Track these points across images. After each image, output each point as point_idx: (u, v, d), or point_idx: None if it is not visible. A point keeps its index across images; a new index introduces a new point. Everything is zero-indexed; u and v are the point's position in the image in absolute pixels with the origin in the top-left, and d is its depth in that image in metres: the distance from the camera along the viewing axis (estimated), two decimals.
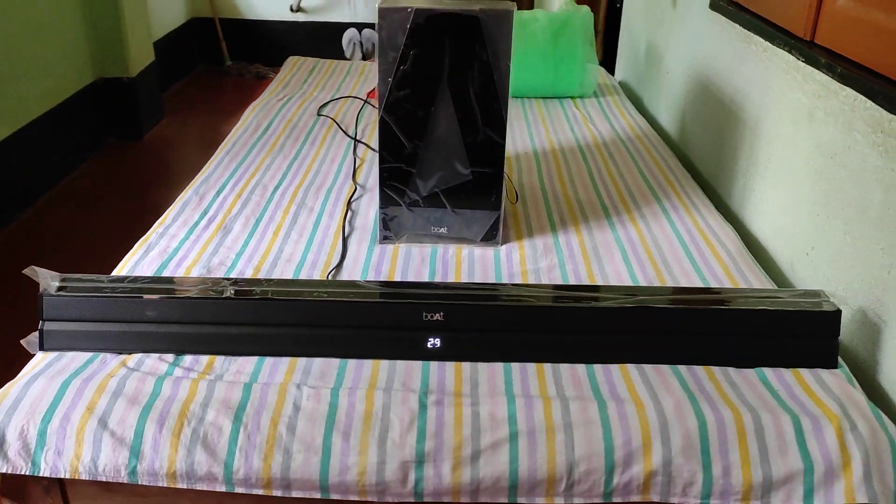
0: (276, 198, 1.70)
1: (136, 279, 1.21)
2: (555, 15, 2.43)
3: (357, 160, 1.92)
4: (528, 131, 2.15)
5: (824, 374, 1.12)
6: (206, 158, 1.98)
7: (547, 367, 1.14)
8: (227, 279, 1.22)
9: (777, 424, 1.02)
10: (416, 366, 1.14)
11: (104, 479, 1.01)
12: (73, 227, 2.81)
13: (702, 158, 2.00)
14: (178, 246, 1.48)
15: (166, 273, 1.38)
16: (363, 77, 2.68)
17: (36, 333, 1.17)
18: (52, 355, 1.15)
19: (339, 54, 5.23)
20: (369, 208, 1.66)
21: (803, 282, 1.42)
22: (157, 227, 1.56)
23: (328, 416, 1.04)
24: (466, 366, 1.15)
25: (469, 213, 1.49)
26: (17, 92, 2.91)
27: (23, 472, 1.01)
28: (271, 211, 1.64)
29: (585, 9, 2.48)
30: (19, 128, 2.92)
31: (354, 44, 5.09)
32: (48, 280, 1.19)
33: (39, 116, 3.07)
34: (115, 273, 1.39)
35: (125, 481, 1.01)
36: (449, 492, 1.01)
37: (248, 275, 1.39)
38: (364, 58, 5.12)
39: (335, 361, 1.15)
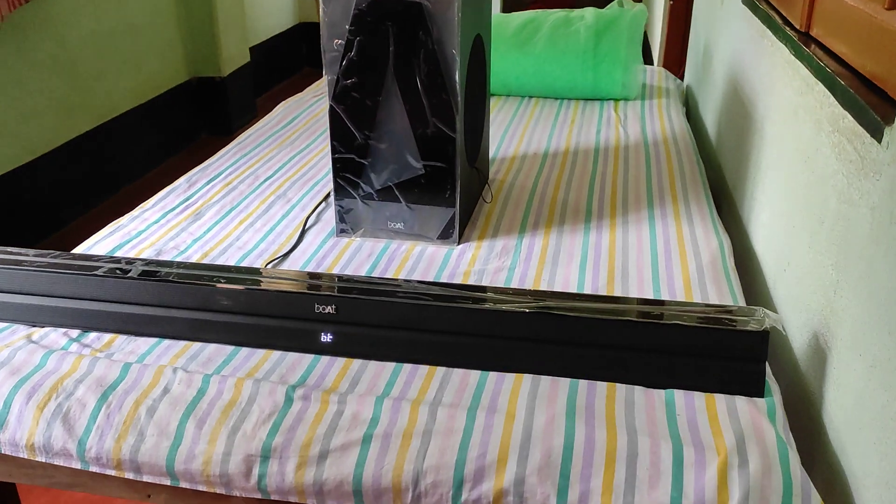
0: (261, 188, 1.71)
1: (59, 254, 1.24)
2: (602, 13, 2.31)
3: None
4: (549, 133, 2.05)
5: (743, 402, 0.98)
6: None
7: (439, 370, 1.07)
8: (141, 259, 1.22)
9: (654, 451, 0.89)
10: (306, 359, 1.10)
11: None
12: None
13: (728, 165, 1.83)
14: (144, 229, 1.51)
15: (119, 253, 1.41)
16: None
17: None
18: None
19: None
20: None
21: (782, 302, 1.26)
22: (135, 210, 1.60)
23: (192, 401, 1.01)
24: (356, 364, 1.09)
25: (425, 209, 1.43)
26: (106, 87, 3.10)
27: None
28: (249, 200, 1.64)
29: (640, 7, 2.34)
30: (106, 120, 3.11)
31: None
32: None
33: (129, 111, 3.26)
34: (76, 250, 1.43)
35: None
36: (293, 491, 0.95)
37: (195, 259, 1.39)
38: None
39: (228, 348, 1.13)
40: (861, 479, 0.88)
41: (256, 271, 1.19)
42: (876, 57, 0.97)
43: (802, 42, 1.26)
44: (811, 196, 1.14)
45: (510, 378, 1.04)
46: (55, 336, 1.16)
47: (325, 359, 1.10)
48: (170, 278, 1.16)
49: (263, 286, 1.13)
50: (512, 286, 1.29)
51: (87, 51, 2.97)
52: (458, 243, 1.43)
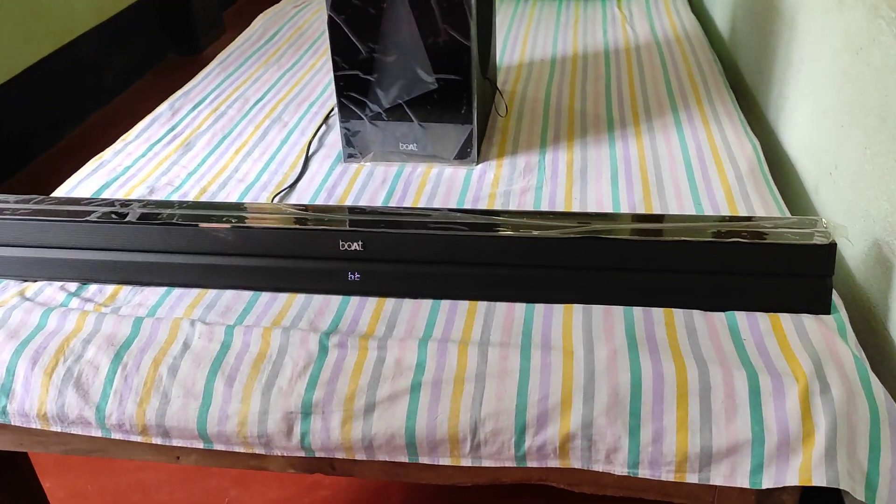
0: (253, 113, 1.58)
1: (43, 199, 1.12)
2: None
3: None
4: (553, 36, 1.92)
5: (811, 321, 0.92)
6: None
7: (480, 306, 0.99)
8: (138, 200, 1.11)
9: (728, 382, 0.83)
10: (334, 302, 1.01)
11: None
12: None
13: (747, 63, 1.72)
14: (131, 164, 1.39)
15: (106, 193, 1.29)
16: None
17: None
18: None
19: None
20: None
21: (825, 208, 1.19)
22: (117, 143, 1.47)
23: (216, 357, 0.93)
24: (389, 304, 1.00)
25: (439, 128, 1.32)
26: (64, 6, 2.87)
27: None
28: (242, 127, 1.52)
29: None
30: (67, 42, 2.90)
31: None
32: None
33: (90, 30, 3.04)
34: (58, 192, 1.31)
35: None
36: (340, 448, 0.88)
37: (192, 195, 1.28)
38: None
39: (246, 294, 1.04)
40: None
41: (269, 207, 1.09)
42: None
43: None
44: (867, 91, 1.04)
45: (559, 310, 0.97)
46: (51, 291, 1.06)
47: (354, 300, 1.01)
48: (174, 220, 1.05)
49: (279, 223, 1.03)
50: (543, 208, 1.20)
51: None
52: (477, 163, 1.33)
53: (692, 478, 0.82)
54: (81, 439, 0.99)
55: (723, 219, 1.00)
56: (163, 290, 1.05)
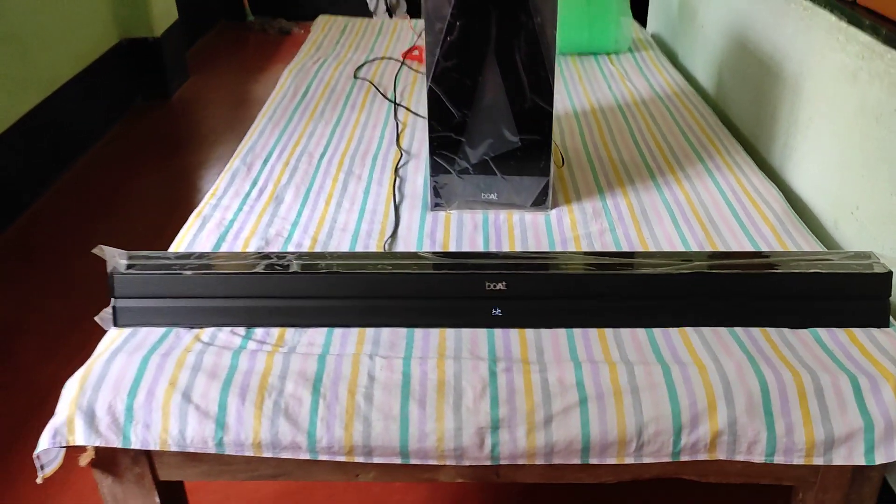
0: (323, 166, 1.73)
1: (202, 255, 1.26)
2: None
3: (399, 124, 1.94)
4: (566, 91, 2.15)
5: (877, 333, 1.16)
6: (236, 116, 2.02)
7: (608, 332, 1.18)
8: (291, 253, 1.26)
9: (835, 384, 1.06)
10: (482, 334, 1.18)
11: (193, 451, 1.07)
12: (112, 193, 2.86)
13: (740, 116, 2.00)
14: (233, 218, 1.52)
15: (224, 246, 1.42)
16: (396, 36, 2.67)
17: (109, 310, 1.22)
18: (126, 331, 1.20)
19: (362, 8, 5.18)
20: (416, 174, 1.69)
21: (848, 240, 1.45)
22: (209, 199, 1.59)
23: (402, 385, 1.09)
24: (530, 333, 1.19)
25: (518, 180, 1.52)
26: (47, 58, 2.92)
27: (114, 446, 1.07)
28: (320, 179, 1.67)
29: None
30: (51, 93, 2.94)
31: None
32: (116, 258, 1.23)
33: (69, 81, 3.09)
34: (174, 246, 1.43)
35: (213, 452, 1.07)
36: (524, 455, 1.06)
37: (306, 245, 1.43)
38: (388, 12, 5.07)
39: (402, 331, 1.19)
40: None
41: (417, 255, 1.26)
42: None
43: (854, 10, 1.42)
44: (888, 149, 1.31)
45: (674, 333, 1.17)
46: (224, 336, 1.18)
47: (498, 332, 1.19)
48: (333, 269, 1.21)
49: (433, 270, 1.20)
50: (622, 248, 1.41)
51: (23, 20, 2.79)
52: (551, 209, 1.54)
53: (818, 460, 1.04)
54: (269, 464, 1.13)
55: (796, 254, 1.23)
56: (324, 331, 1.20)
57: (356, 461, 1.07)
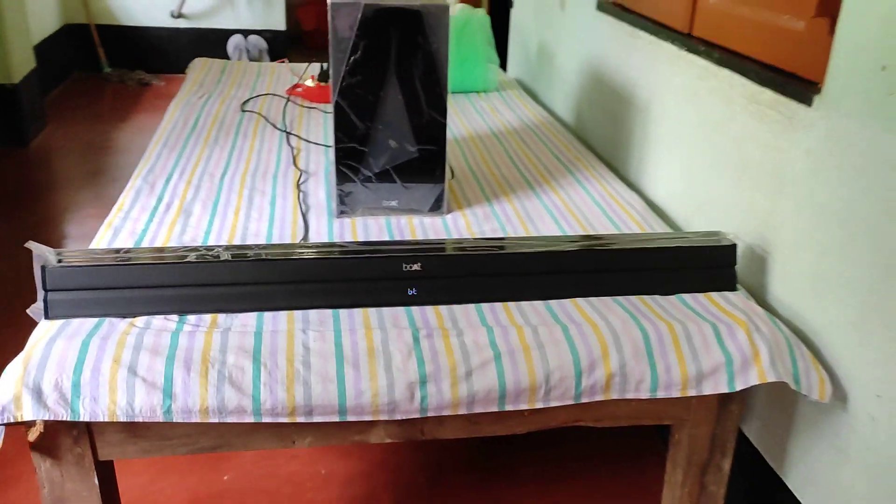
0: (226, 184, 1.82)
1: (129, 250, 1.32)
2: (455, 17, 2.66)
3: (293, 150, 2.06)
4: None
5: (729, 294, 1.39)
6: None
7: (511, 305, 1.35)
8: (219, 245, 1.35)
9: (700, 331, 1.27)
10: (401, 311, 1.32)
11: (141, 420, 1.13)
12: None
13: (599, 141, 2.28)
14: (144, 228, 1.58)
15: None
16: (275, 77, 2.80)
17: (40, 303, 1.25)
18: (58, 322, 1.24)
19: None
20: (318, 188, 1.82)
21: (700, 229, 1.71)
22: (117, 212, 1.64)
23: (336, 353, 1.20)
24: (443, 309, 1.33)
25: (416, 187, 1.68)
26: None
27: (63, 419, 1.11)
28: (225, 195, 1.76)
29: (481, 11, 2.73)
30: None
31: (241, 50, 5.14)
32: (45, 254, 1.27)
33: None
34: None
35: (161, 420, 1.13)
36: (450, 405, 1.19)
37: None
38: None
39: (328, 312, 1.31)
40: (803, 322, 1.34)
41: (336, 244, 1.38)
42: (780, 51, 1.43)
43: (690, 40, 1.71)
44: (731, 150, 1.58)
45: (566, 302, 1.35)
46: (158, 322, 1.25)
47: (415, 308, 1.33)
48: (262, 257, 1.31)
49: (355, 255, 1.33)
50: None
51: None
52: (446, 213, 1.71)
53: (692, 391, 1.24)
54: (209, 435, 1.20)
55: (661, 235, 1.46)
56: (254, 314, 1.29)
57: (298, 421, 1.17)
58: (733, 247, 1.41)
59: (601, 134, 2.26)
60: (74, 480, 1.20)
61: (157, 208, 1.67)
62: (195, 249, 1.33)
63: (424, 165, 1.67)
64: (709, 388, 1.24)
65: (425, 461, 1.84)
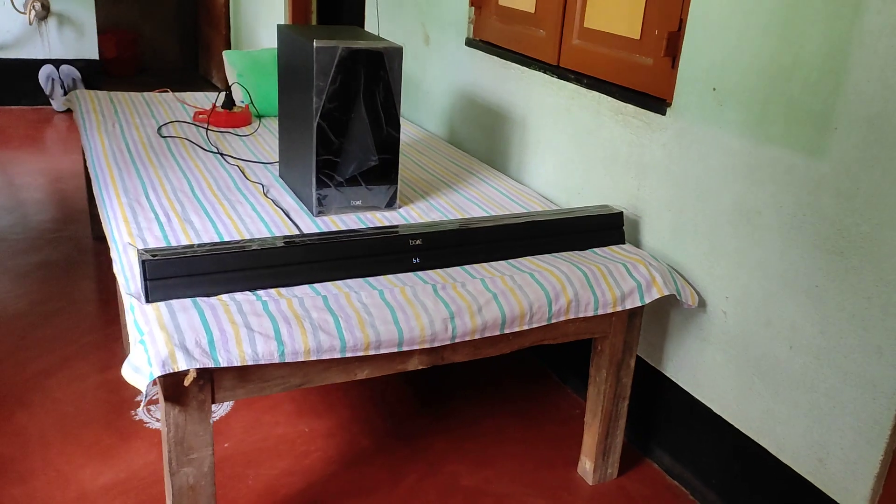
0: (202, 198, 2.15)
1: (200, 245, 1.67)
2: None
3: (238, 168, 2.41)
4: None
5: (623, 246, 2.02)
6: None
7: (487, 265, 1.87)
8: (276, 237, 1.73)
9: (616, 269, 1.88)
10: (411, 275, 1.78)
11: (263, 362, 1.50)
12: None
13: (476, 149, 2.85)
14: (163, 235, 1.89)
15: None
16: (165, 105, 3.07)
17: (140, 291, 1.57)
18: (159, 304, 1.56)
19: (36, 91, 5.20)
20: (282, 196, 2.21)
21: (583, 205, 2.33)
22: (123, 224, 1.93)
23: (385, 304, 1.65)
24: (440, 270, 1.82)
25: (376, 188, 2.14)
26: None
27: (208, 366, 1.45)
28: (210, 207, 2.10)
29: None
30: None
31: (53, 80, 5.12)
32: (141, 252, 1.59)
33: None
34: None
35: (277, 361, 1.51)
36: (470, 332, 1.68)
37: None
38: (66, 94, 5.17)
39: (360, 280, 1.74)
40: (670, 260, 2.00)
41: (353, 231, 1.82)
42: (637, 79, 2.09)
43: (559, 69, 2.34)
44: (602, 149, 2.22)
45: (522, 261, 1.90)
46: (240, 296, 1.61)
47: (421, 272, 1.80)
48: (307, 242, 1.72)
49: (372, 235, 1.78)
50: None
51: None
52: (399, 208, 2.18)
53: (620, 307, 1.83)
54: (297, 375, 1.59)
55: (571, 210, 2.06)
56: (307, 287, 1.69)
57: (369, 354, 1.60)
58: (621, 213, 2.05)
59: (477, 143, 2.84)
60: (195, 422, 1.53)
61: (161, 221, 1.98)
62: (251, 241, 1.71)
63: (382, 171, 2.13)
64: (630, 304, 1.85)
65: (387, 412, 2.30)
